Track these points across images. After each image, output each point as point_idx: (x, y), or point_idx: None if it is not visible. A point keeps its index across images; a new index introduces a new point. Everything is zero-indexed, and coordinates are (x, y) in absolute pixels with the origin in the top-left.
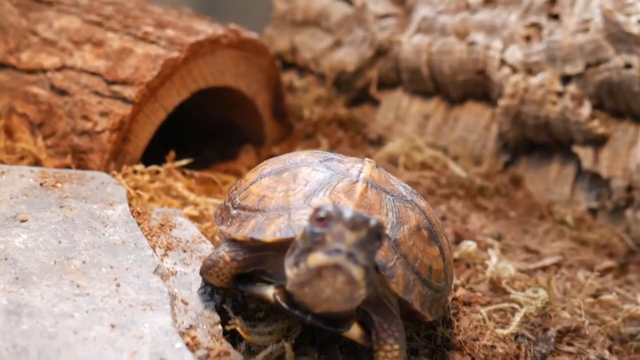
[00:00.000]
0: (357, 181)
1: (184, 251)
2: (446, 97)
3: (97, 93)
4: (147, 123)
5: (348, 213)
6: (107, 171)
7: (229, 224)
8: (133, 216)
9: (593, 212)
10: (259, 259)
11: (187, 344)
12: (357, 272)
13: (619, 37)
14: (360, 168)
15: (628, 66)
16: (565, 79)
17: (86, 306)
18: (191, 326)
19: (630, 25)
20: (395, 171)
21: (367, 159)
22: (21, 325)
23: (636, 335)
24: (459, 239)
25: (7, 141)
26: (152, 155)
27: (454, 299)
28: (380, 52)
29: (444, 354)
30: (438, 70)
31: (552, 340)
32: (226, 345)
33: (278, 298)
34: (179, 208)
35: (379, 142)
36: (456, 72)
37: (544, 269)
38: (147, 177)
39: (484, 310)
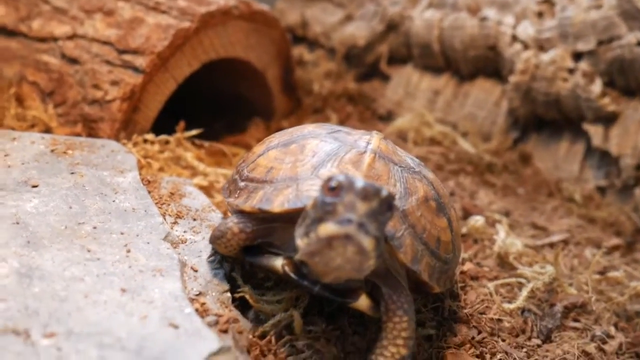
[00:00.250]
0: (365, 152)
1: (194, 219)
2: (456, 72)
3: (107, 62)
4: (158, 93)
5: (360, 183)
6: (117, 140)
7: (236, 195)
8: (143, 184)
9: (601, 190)
10: (268, 230)
11: (197, 310)
12: (367, 242)
13: (632, 14)
14: (368, 139)
15: None
16: (577, 56)
17: (97, 270)
18: (200, 293)
19: None
20: (404, 146)
21: (375, 131)
22: (32, 288)
23: None
24: (467, 214)
25: (18, 109)
26: (162, 126)
27: (462, 272)
28: (391, 26)
29: (450, 326)
30: (449, 45)
31: (559, 315)
32: (235, 313)
33: (287, 269)
34: (188, 178)
35: (388, 117)
36: (467, 47)
37: (552, 245)
38: (157, 147)
39: (491, 285)
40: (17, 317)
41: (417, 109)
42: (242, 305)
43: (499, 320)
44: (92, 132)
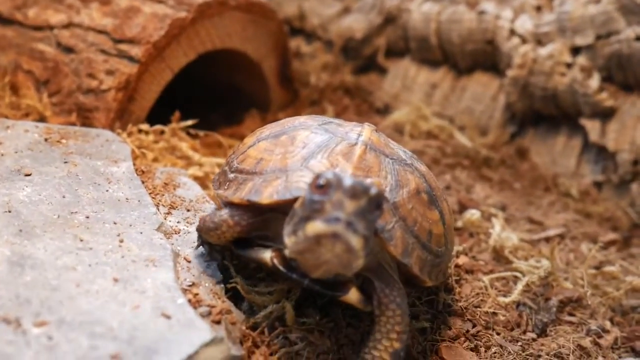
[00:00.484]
0: (356, 144)
1: (188, 210)
2: (454, 66)
3: (103, 51)
4: (153, 83)
5: (348, 181)
6: (112, 130)
7: (226, 187)
8: (137, 174)
9: (598, 185)
10: (263, 223)
11: (190, 301)
12: (355, 241)
13: (631, 9)
14: (359, 131)
15: (639, 38)
16: (575, 51)
17: (89, 260)
18: (193, 283)
19: None
20: (401, 140)
21: (366, 123)
22: (24, 277)
23: (637, 307)
24: (463, 208)
25: (12, 97)
26: (158, 117)
27: (457, 266)
28: (389, 19)
29: (445, 319)
30: (447, 39)
31: (554, 309)
32: (228, 304)
33: (275, 261)
34: (183, 168)
35: (385, 110)
36: (465, 41)
37: (548, 240)
38: (151, 137)
39: (486, 278)
40: (8, 305)
41: (414, 103)
42: (235, 296)
43: (494, 313)
44: (86, 122)
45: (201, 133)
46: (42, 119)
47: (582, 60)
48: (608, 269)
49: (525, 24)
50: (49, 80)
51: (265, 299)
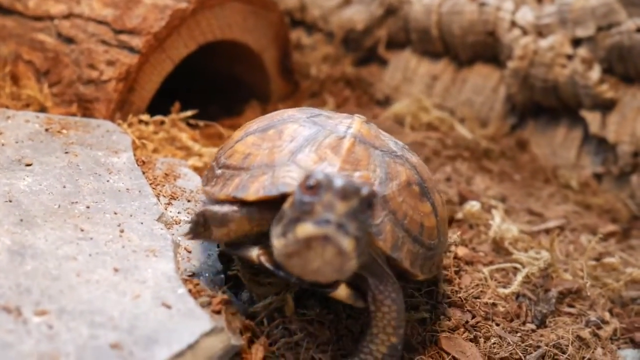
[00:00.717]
0: (344, 137)
1: (188, 201)
2: (455, 58)
3: (103, 42)
4: (154, 74)
5: (339, 182)
6: (112, 120)
7: (213, 183)
8: (138, 165)
9: (598, 177)
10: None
11: (190, 291)
12: (347, 243)
13: (632, 0)
14: (348, 124)
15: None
16: (576, 42)
17: (90, 250)
18: (194, 274)
19: None
20: (401, 131)
21: (357, 115)
22: (25, 266)
23: (637, 298)
24: (463, 200)
25: (13, 87)
26: (158, 107)
27: (457, 257)
28: (390, 11)
29: (444, 310)
30: (448, 31)
31: (553, 300)
32: (228, 294)
33: (262, 259)
34: (183, 159)
35: (385, 102)
36: (466, 33)
37: (547, 231)
38: (152, 128)
39: (486, 270)
40: (8, 294)
41: (415, 94)
42: (235, 286)
43: (494, 304)
44: (87, 112)
45: (201, 124)
46: (42, 109)
47: (582, 51)
48: (608, 260)
49: (526, 15)
50: (49, 70)
51: (265, 289)
